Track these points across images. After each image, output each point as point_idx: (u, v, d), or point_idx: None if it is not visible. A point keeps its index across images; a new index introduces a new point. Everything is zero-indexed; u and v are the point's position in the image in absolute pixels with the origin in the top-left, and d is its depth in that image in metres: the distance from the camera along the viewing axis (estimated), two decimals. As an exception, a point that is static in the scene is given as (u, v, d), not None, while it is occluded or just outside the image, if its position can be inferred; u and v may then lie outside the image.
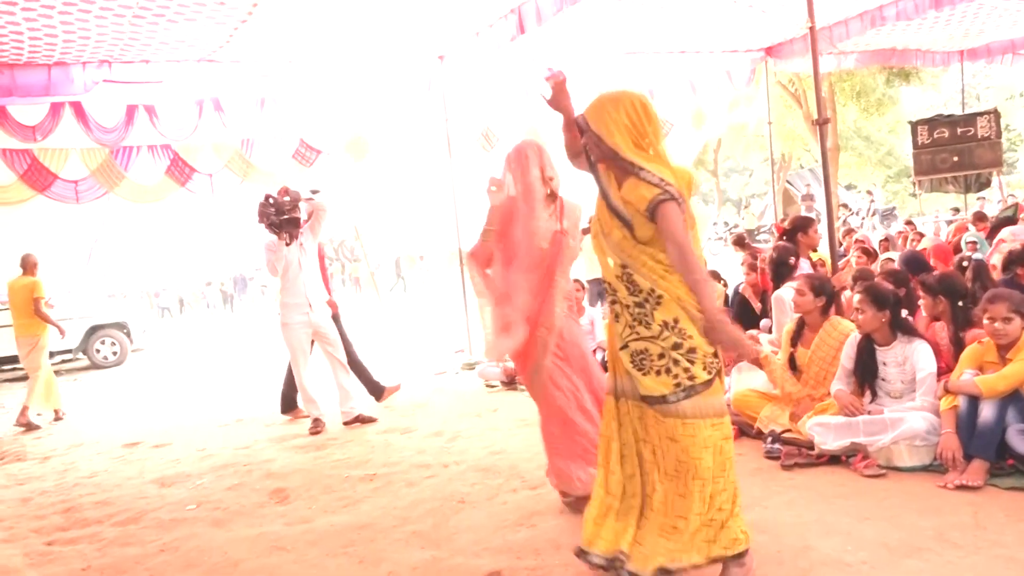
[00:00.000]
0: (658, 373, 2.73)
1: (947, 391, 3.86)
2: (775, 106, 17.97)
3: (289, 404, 6.98)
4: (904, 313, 4.32)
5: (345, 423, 6.35)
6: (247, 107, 8.08)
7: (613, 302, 2.87)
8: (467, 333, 9.01)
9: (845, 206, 21.70)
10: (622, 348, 2.83)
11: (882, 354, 4.17)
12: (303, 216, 6.21)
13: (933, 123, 13.29)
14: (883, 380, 4.17)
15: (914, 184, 16.01)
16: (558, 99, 3.00)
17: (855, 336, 4.29)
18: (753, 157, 30.38)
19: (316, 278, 6.30)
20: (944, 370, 4.15)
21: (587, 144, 2.85)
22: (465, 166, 9.23)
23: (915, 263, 5.93)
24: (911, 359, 4.05)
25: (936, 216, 22.11)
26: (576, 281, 7.92)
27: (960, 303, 4.30)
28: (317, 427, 6.31)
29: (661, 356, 2.73)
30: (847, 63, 10.48)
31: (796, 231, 5.81)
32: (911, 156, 13.96)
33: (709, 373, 2.72)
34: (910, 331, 4.14)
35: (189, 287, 36.45)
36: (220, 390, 9.49)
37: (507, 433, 5.54)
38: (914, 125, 13.71)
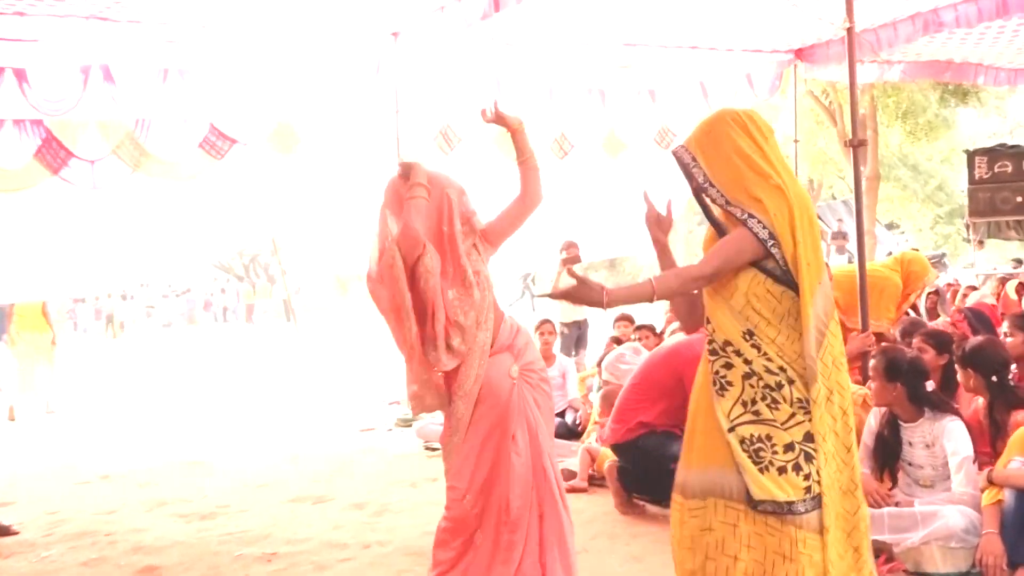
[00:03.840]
0: (781, 471, 2.73)
1: (991, 482, 3.93)
2: (804, 121, 18.28)
3: None
4: (931, 385, 4.34)
5: None
6: (145, 79, 8.02)
7: (726, 366, 2.84)
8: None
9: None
10: (730, 431, 2.80)
11: (908, 432, 4.25)
12: None
13: (994, 154, 13.62)
14: (909, 464, 4.25)
15: (967, 227, 16.35)
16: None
17: (878, 409, 4.37)
18: (776, 182, 30.91)
19: None
20: (984, 455, 4.23)
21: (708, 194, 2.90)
22: (417, 170, 9.24)
23: (982, 321, 6.06)
24: (940, 440, 4.12)
25: (994, 268, 22.59)
26: (546, 322, 7.99)
27: (995, 377, 4.37)
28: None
29: (789, 448, 2.75)
30: (891, 74, 10.68)
31: None
32: (966, 193, 14.29)
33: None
34: (939, 406, 4.21)
35: (54, 304, 35.84)
36: (83, 438, 9.33)
37: (448, 509, 5.52)
38: (971, 155, 14.04)
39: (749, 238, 2.75)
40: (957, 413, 4.23)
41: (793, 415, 2.75)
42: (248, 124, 8.94)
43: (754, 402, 2.78)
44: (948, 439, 4.10)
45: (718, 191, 2.85)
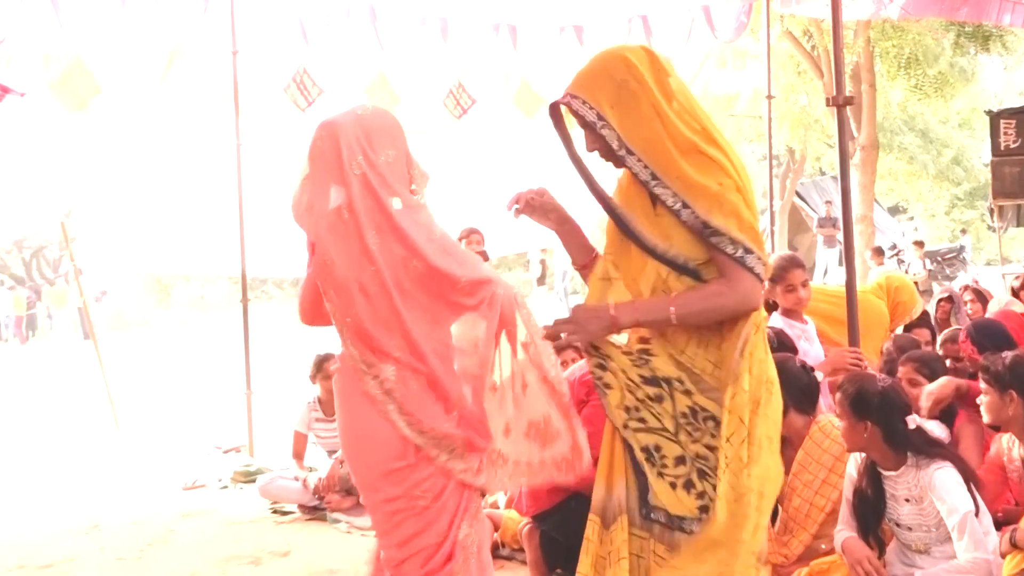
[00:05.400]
0: (672, 486, 3.10)
1: (1014, 546, 4.04)
2: (781, 72, 18.49)
3: None
4: (912, 421, 4.36)
5: None
6: None
7: (601, 365, 3.21)
8: (247, 416, 8.88)
9: (917, 245, 22.33)
10: (624, 427, 3.16)
11: (890, 484, 4.32)
12: None
13: (1024, 117, 14.00)
14: (897, 525, 4.34)
15: (991, 211, 16.83)
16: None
17: (858, 455, 4.44)
18: (745, 151, 31.35)
19: None
20: (1010, 511, 4.34)
21: (595, 145, 3.11)
22: (263, 131, 9.17)
23: (993, 336, 6.19)
24: (931, 494, 4.20)
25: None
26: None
27: None
28: None
29: (680, 462, 3.10)
30: (891, 11, 10.85)
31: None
32: (989, 167, 14.68)
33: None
34: (926, 448, 4.29)
35: None
36: None
37: (303, 594, 5.51)
38: (995, 117, 14.41)
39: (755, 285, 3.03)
40: (950, 455, 4.28)
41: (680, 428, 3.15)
42: (26, 67, 8.77)
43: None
44: (938, 495, 4.12)
45: (642, 163, 2.99)
